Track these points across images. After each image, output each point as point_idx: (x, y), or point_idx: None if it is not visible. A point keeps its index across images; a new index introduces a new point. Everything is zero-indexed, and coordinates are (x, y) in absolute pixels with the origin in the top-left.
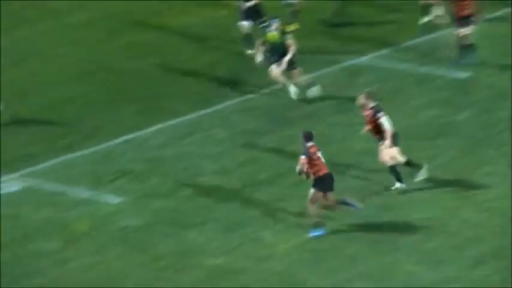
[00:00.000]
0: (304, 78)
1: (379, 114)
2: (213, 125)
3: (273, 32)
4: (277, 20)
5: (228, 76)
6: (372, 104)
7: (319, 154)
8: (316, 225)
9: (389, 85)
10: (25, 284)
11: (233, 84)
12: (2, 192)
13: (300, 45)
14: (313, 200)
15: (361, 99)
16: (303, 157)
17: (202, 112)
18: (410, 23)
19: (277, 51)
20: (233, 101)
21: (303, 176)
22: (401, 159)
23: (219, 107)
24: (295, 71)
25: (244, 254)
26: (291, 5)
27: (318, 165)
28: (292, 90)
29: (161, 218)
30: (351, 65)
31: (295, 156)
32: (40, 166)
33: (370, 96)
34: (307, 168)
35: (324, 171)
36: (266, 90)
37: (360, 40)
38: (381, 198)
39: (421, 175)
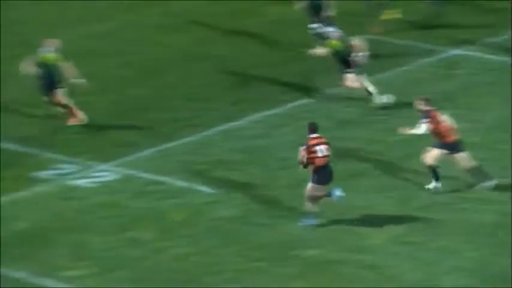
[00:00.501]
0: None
1: (423, 120)
2: (308, 115)
3: (334, 39)
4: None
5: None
6: (427, 108)
7: (321, 147)
8: (308, 215)
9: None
10: (121, 273)
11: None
12: (100, 180)
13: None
14: (310, 192)
15: (418, 105)
16: (302, 148)
17: (298, 102)
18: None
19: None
20: (331, 91)
21: (302, 167)
22: (469, 164)
23: (316, 97)
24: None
25: (340, 245)
26: None
27: (314, 157)
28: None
29: (257, 208)
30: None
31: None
32: (138, 155)
33: (426, 101)
34: (306, 159)
35: (320, 163)
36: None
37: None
38: (480, 193)
39: (488, 185)
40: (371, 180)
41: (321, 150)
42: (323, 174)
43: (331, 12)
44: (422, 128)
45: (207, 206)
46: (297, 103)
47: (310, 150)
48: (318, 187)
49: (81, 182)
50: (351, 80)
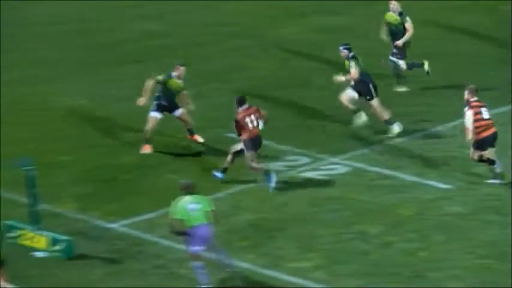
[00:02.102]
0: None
1: (465, 109)
2: None
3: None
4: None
5: None
6: (472, 99)
7: (247, 119)
8: (266, 173)
9: None
10: (348, 266)
11: None
12: (330, 173)
13: None
14: (249, 159)
15: (465, 95)
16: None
17: None
18: None
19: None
20: None
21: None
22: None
23: None
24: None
25: None
26: None
27: (246, 128)
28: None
29: (486, 205)
30: None
31: None
32: (368, 149)
33: (471, 91)
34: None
35: (253, 132)
36: None
37: None
38: None
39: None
40: None
41: (255, 121)
42: (255, 141)
43: None
44: (469, 115)
45: (436, 201)
46: None
47: (240, 123)
48: (253, 152)
49: (311, 174)
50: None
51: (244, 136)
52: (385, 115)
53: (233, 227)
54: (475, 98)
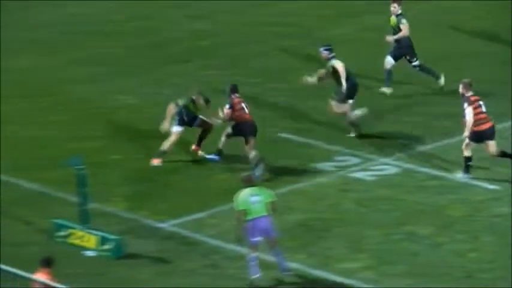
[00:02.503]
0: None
1: (465, 105)
2: None
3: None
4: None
5: None
6: (468, 94)
7: (242, 105)
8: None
9: None
10: (398, 266)
11: None
12: (380, 173)
13: None
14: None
15: (460, 88)
16: (227, 107)
17: None
18: None
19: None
20: None
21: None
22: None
23: None
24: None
25: None
26: None
27: (240, 113)
28: None
29: None
30: None
31: None
32: (418, 150)
33: (466, 86)
34: (229, 117)
35: (246, 117)
36: None
37: None
38: None
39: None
40: None
41: (246, 107)
42: (249, 126)
43: None
44: (469, 111)
45: (485, 202)
46: None
47: (235, 109)
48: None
49: (361, 175)
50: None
51: (240, 119)
52: (352, 117)
53: (283, 227)
54: (471, 93)
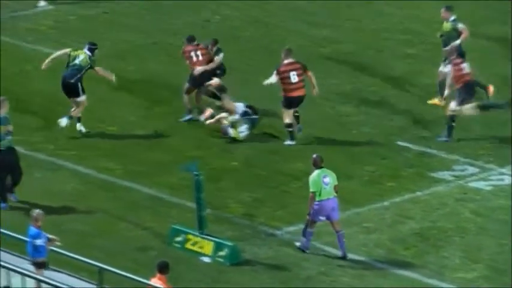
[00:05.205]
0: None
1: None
2: None
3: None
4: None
5: None
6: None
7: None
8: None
9: None
10: None
11: None
12: (498, 184)
13: None
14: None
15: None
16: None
17: None
18: None
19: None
20: None
21: None
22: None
23: None
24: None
25: None
26: None
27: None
28: None
29: None
30: None
31: None
32: None
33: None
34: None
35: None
36: None
37: None
38: None
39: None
40: None
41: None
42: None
43: None
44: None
45: None
46: None
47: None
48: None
49: (479, 185)
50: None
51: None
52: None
53: (398, 236)
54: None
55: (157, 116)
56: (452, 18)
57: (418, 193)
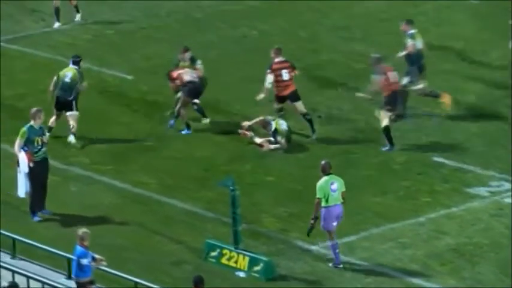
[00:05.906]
0: None
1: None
2: None
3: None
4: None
5: None
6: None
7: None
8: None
9: None
10: None
11: None
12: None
13: None
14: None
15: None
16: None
17: None
18: None
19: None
20: None
21: None
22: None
23: None
24: None
25: None
26: None
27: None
28: None
29: None
30: None
31: None
32: None
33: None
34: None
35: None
36: None
37: None
38: None
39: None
40: None
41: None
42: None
43: None
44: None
45: None
46: None
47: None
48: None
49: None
50: None
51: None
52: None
53: (433, 252)
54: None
55: (192, 130)
56: (410, 32)
57: (454, 209)
